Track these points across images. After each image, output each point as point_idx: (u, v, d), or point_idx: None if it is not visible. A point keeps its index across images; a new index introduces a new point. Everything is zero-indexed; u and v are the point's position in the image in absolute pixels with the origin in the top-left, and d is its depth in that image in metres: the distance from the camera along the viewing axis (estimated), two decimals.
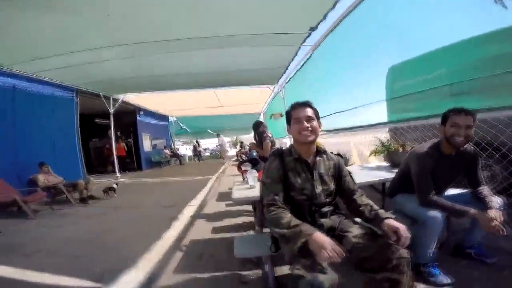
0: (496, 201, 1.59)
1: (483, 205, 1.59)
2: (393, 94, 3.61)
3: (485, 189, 1.69)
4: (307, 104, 1.47)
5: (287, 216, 1.24)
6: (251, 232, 2.82)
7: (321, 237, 1.10)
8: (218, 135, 14.75)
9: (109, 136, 9.37)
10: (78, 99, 7.26)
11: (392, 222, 1.21)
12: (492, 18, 2.02)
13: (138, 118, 11.87)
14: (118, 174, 8.84)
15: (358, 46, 4.44)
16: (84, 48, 4.20)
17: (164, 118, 15.24)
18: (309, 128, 1.40)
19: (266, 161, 1.54)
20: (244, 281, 1.91)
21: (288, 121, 1.52)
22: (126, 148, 11.64)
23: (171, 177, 8.66)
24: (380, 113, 3.88)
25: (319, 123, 1.48)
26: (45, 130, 6.06)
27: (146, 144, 12.66)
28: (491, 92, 2.22)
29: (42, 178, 4.82)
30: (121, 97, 8.66)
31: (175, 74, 6.19)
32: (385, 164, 2.92)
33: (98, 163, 11.55)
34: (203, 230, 3.13)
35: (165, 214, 3.87)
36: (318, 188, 1.42)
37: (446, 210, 1.59)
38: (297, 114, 1.43)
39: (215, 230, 3.12)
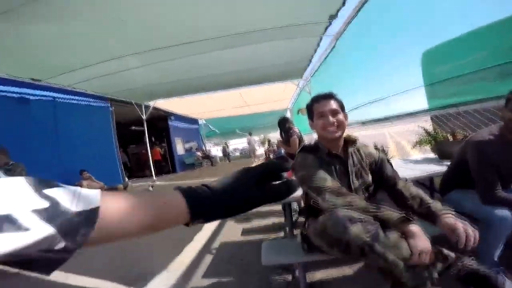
0: None
1: None
2: (434, 79, 3.22)
3: None
4: (330, 96, 1.34)
5: (363, 200, 1.15)
6: (281, 234, 2.72)
7: (423, 234, 0.99)
8: (250, 134, 14.79)
9: (144, 142, 9.87)
10: (113, 108, 7.70)
11: (450, 220, 1.02)
12: None
13: (169, 123, 12.34)
14: (154, 178, 9.26)
15: (384, 31, 4.08)
16: (108, 57, 4.34)
17: (194, 121, 15.70)
18: (335, 123, 1.26)
19: (293, 159, 1.40)
20: (274, 286, 1.81)
21: (311, 116, 1.40)
22: (161, 152, 12.16)
23: (203, 178, 8.84)
24: (416, 101, 3.53)
25: (345, 116, 1.33)
26: (85, 139, 6.48)
27: (179, 147, 13.12)
28: None
29: (85, 184, 5.19)
30: (152, 103, 9.03)
31: (198, 77, 6.25)
32: (432, 156, 2.56)
33: (136, 168, 12.20)
34: (232, 232, 3.09)
35: None
36: (355, 183, 1.29)
37: None
38: (320, 108, 1.32)
39: (245, 232, 3.06)
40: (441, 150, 2.32)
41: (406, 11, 3.63)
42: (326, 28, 4.09)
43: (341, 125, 1.28)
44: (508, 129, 1.40)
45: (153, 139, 12.07)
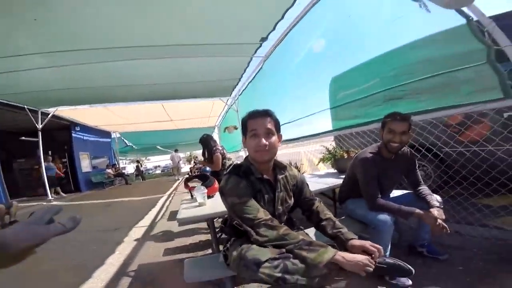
0: (436, 199, 1.68)
1: (425, 204, 1.67)
2: (336, 103, 3.81)
3: (424, 189, 1.79)
4: (267, 114, 1.28)
5: (295, 233, 1.14)
6: (209, 251, 2.61)
7: (349, 253, 1.08)
8: (175, 151, 13.98)
9: (37, 156, 8.13)
10: None
11: (358, 241, 1.17)
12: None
13: (73, 134, 10.57)
14: (50, 197, 7.67)
15: (305, 56, 4.67)
16: (5, 53, 3.55)
17: (106, 134, 13.90)
18: (267, 147, 1.23)
19: (216, 176, 1.41)
20: None
21: (244, 132, 1.32)
22: (61, 168, 10.19)
23: (115, 198, 7.79)
24: (326, 122, 4.07)
25: (280, 136, 1.32)
26: None
27: (85, 163, 11.32)
28: (419, 96, 2.44)
29: None
30: (52, 110, 7.61)
31: (117, 85, 5.63)
32: (333, 170, 3.02)
33: (25, 185, 9.97)
34: (153, 253, 2.81)
35: (108, 238, 3.48)
36: (279, 209, 1.32)
37: (394, 212, 1.63)
38: (254, 126, 1.25)
39: (168, 252, 2.81)
40: (339, 166, 2.79)
41: (329, 36, 4.11)
42: (256, 49, 4.35)
43: (272, 149, 1.26)
44: (383, 148, 1.78)
45: (50, 152, 10.08)
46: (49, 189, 8.05)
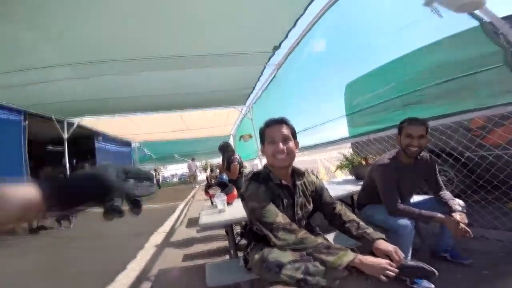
0: (458, 203, 1.66)
1: (447, 208, 1.65)
2: (352, 110, 3.80)
3: (446, 193, 1.76)
4: (283, 122, 1.34)
5: (313, 237, 1.18)
6: (226, 257, 2.66)
7: (370, 256, 1.08)
8: (192, 159, 14.27)
9: (63, 164, 8.53)
10: (27, 122, 6.52)
11: (383, 244, 1.18)
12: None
13: (97, 144, 11.00)
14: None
15: (318, 63, 4.70)
16: (34, 65, 3.80)
17: (127, 144, 14.40)
18: (285, 151, 1.28)
19: (234, 184, 1.45)
20: None
21: (262, 141, 1.38)
22: None
23: None
24: (343, 129, 4.05)
25: (296, 143, 1.37)
26: None
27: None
28: (437, 100, 2.41)
29: None
30: (77, 120, 8.01)
31: (137, 96, 5.86)
32: (351, 177, 3.00)
33: None
34: (173, 259, 2.89)
35: (130, 243, 3.60)
36: (299, 214, 1.36)
37: (414, 216, 1.62)
38: (271, 134, 1.31)
39: (187, 257, 2.89)
40: (356, 173, 2.77)
41: (339, 44, 4.16)
42: (269, 58, 4.41)
43: (290, 153, 1.30)
44: (402, 153, 1.78)
45: (75, 161, 10.54)
46: None
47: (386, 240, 1.22)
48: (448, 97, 2.30)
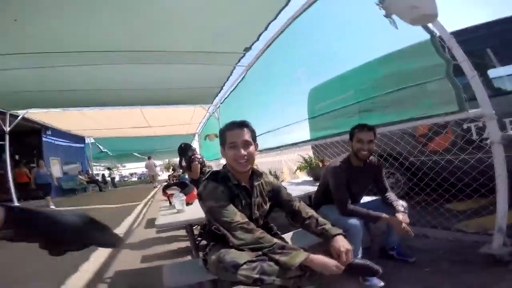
0: (401, 204, 1.82)
1: (391, 209, 1.80)
2: (314, 114, 3.97)
3: (391, 195, 1.94)
4: (244, 125, 1.34)
5: (270, 237, 1.20)
6: (188, 257, 2.59)
7: (320, 256, 1.12)
8: (149, 158, 13.61)
9: (3, 160, 7.58)
10: None
11: (339, 242, 1.23)
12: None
13: (44, 138, 10.01)
14: (17, 204, 7.13)
15: (287, 66, 4.76)
16: None
17: (79, 139, 13.29)
18: (245, 157, 1.29)
19: (195, 184, 1.43)
20: None
21: (222, 143, 1.37)
22: (28, 174, 9.54)
23: (88, 206, 7.44)
24: (305, 132, 4.21)
25: (256, 145, 1.39)
26: None
27: (55, 169, 10.72)
28: (386, 109, 2.62)
29: None
30: (22, 113, 7.18)
31: (93, 89, 5.41)
32: (309, 178, 3.15)
33: None
34: (130, 260, 2.75)
35: None
36: (256, 214, 1.38)
37: (363, 217, 1.76)
38: (232, 138, 1.31)
39: (146, 259, 2.76)
40: (314, 174, 2.93)
41: (307, 49, 4.25)
42: (240, 59, 4.40)
43: (250, 159, 1.32)
44: (353, 157, 1.92)
45: (17, 157, 9.46)
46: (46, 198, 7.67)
47: (344, 236, 1.30)
48: (396, 106, 2.51)
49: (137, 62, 4.20)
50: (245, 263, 1.07)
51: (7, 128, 6.90)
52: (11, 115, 6.94)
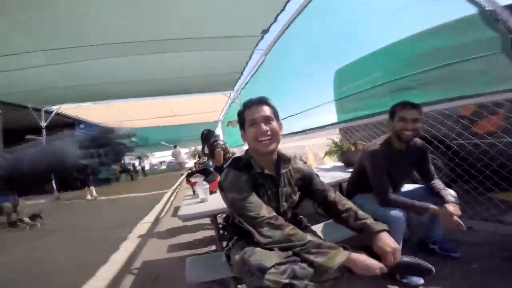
0: (451, 194, 1.59)
1: (438, 199, 1.58)
2: (341, 96, 3.71)
3: (438, 183, 1.69)
4: (262, 101, 1.20)
5: (302, 233, 1.04)
6: (213, 247, 2.58)
7: (362, 255, 0.98)
8: (175, 146, 14.00)
9: None
10: (1, 111, 6.17)
11: (383, 240, 1.06)
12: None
13: (78, 132, 10.59)
14: (56, 194, 7.76)
15: (308, 48, 4.51)
16: (2, 52, 3.52)
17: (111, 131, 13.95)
18: (268, 133, 1.14)
19: (219, 171, 1.32)
20: None
21: (242, 125, 1.23)
22: None
23: (120, 194, 7.86)
24: (332, 115, 3.96)
25: (280, 124, 1.23)
26: None
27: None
28: (428, 86, 2.32)
29: None
30: (55, 108, 7.64)
31: (120, 82, 5.56)
32: (340, 164, 2.91)
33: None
34: (157, 250, 2.80)
35: (113, 235, 3.51)
36: (284, 206, 1.23)
37: (407, 208, 1.53)
38: (252, 115, 1.17)
39: (172, 248, 2.80)
40: (346, 159, 2.68)
41: (331, 27, 3.96)
42: (258, 42, 4.23)
43: (275, 135, 1.16)
44: (394, 139, 1.67)
45: None
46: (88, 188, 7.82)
47: (389, 232, 1.12)
48: (440, 83, 2.21)
49: (159, 52, 4.18)
50: (273, 266, 0.93)
51: (43, 123, 7.43)
52: (45, 111, 7.44)
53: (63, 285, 2.23)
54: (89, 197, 7.59)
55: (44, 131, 7.51)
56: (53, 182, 7.86)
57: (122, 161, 14.46)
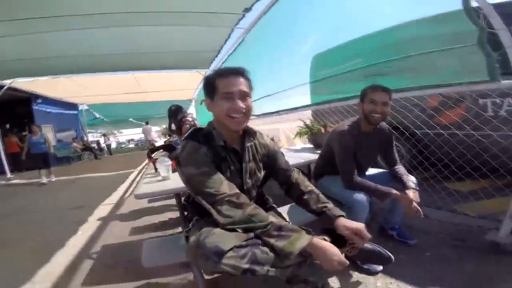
0: (412, 180, 1.63)
1: (400, 184, 1.62)
2: (316, 79, 3.71)
3: (401, 168, 1.73)
4: (241, 73, 1.07)
5: (264, 214, 0.98)
6: (179, 229, 2.47)
7: (325, 243, 0.94)
8: (146, 123, 13.33)
9: None
10: None
11: (349, 222, 1.05)
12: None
13: (34, 107, 9.70)
14: (9, 175, 7.11)
15: (290, 30, 4.44)
16: None
17: (72, 106, 12.91)
18: (243, 110, 1.04)
19: None
20: None
21: (210, 93, 1.07)
22: (19, 143, 9.33)
23: (81, 174, 7.35)
24: (305, 98, 3.96)
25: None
26: None
27: (48, 137, 10.52)
28: (403, 73, 2.36)
29: None
30: (8, 82, 6.90)
31: (83, 55, 5.06)
32: (310, 145, 2.92)
33: None
34: (119, 233, 2.65)
35: (71, 218, 3.28)
36: (248, 183, 1.14)
37: (370, 191, 1.55)
38: (227, 87, 1.02)
39: (134, 231, 2.66)
40: (315, 141, 2.70)
41: (315, 10, 3.92)
42: (239, 21, 4.03)
43: (249, 113, 1.07)
44: (363, 121, 1.67)
45: (7, 126, 9.22)
46: (39, 171, 6.19)
47: (345, 218, 1.10)
48: (415, 71, 2.25)
49: (127, 25, 3.84)
50: (231, 249, 0.85)
51: None
52: None
53: (15, 272, 2.03)
54: (52, 179, 6.47)
55: None
56: (5, 162, 7.14)
57: (84, 138, 13.55)
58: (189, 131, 1.14)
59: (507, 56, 1.49)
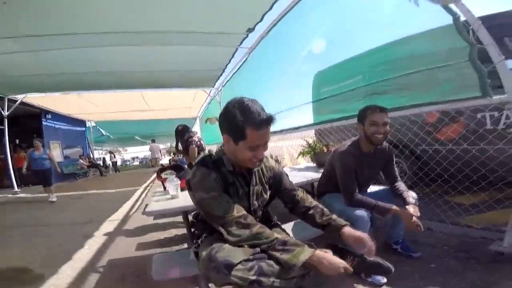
0: (412, 196, 1.68)
1: (401, 200, 1.67)
2: (318, 97, 3.81)
3: (401, 185, 1.78)
4: (270, 122, 1.07)
5: (269, 231, 1.05)
6: (185, 245, 2.51)
7: (327, 254, 1.00)
8: (153, 141, 13.53)
9: (3, 144, 7.51)
10: None
11: (353, 231, 1.13)
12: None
13: (44, 122, 9.93)
14: (16, 189, 7.21)
15: (292, 49, 4.60)
16: None
17: (80, 123, 13.20)
18: (262, 156, 1.15)
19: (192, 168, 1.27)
20: None
21: (235, 136, 1.07)
22: (25, 158, 9.50)
23: (87, 190, 7.42)
24: (308, 116, 4.04)
25: None
26: None
27: (56, 153, 10.67)
28: (401, 92, 2.45)
29: None
30: (20, 97, 7.15)
31: (92, 72, 5.30)
32: (313, 164, 3.00)
33: None
34: (125, 248, 2.69)
35: (78, 232, 3.33)
36: (255, 204, 1.22)
37: (371, 208, 1.61)
38: (257, 139, 1.05)
39: (141, 246, 2.69)
40: (318, 160, 2.77)
41: (317, 30, 4.11)
42: (242, 40, 4.23)
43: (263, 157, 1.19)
44: (363, 141, 1.75)
45: (17, 141, 9.44)
46: (44, 188, 5.89)
47: (350, 227, 1.18)
48: (412, 89, 2.33)
49: (136, 44, 4.06)
50: (240, 262, 0.92)
51: (5, 113, 6.89)
52: (9, 100, 6.95)
53: (24, 282, 2.09)
54: (53, 199, 5.91)
55: (5, 121, 6.96)
56: (13, 176, 7.28)
57: (90, 155, 13.74)
58: (200, 158, 1.23)
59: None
